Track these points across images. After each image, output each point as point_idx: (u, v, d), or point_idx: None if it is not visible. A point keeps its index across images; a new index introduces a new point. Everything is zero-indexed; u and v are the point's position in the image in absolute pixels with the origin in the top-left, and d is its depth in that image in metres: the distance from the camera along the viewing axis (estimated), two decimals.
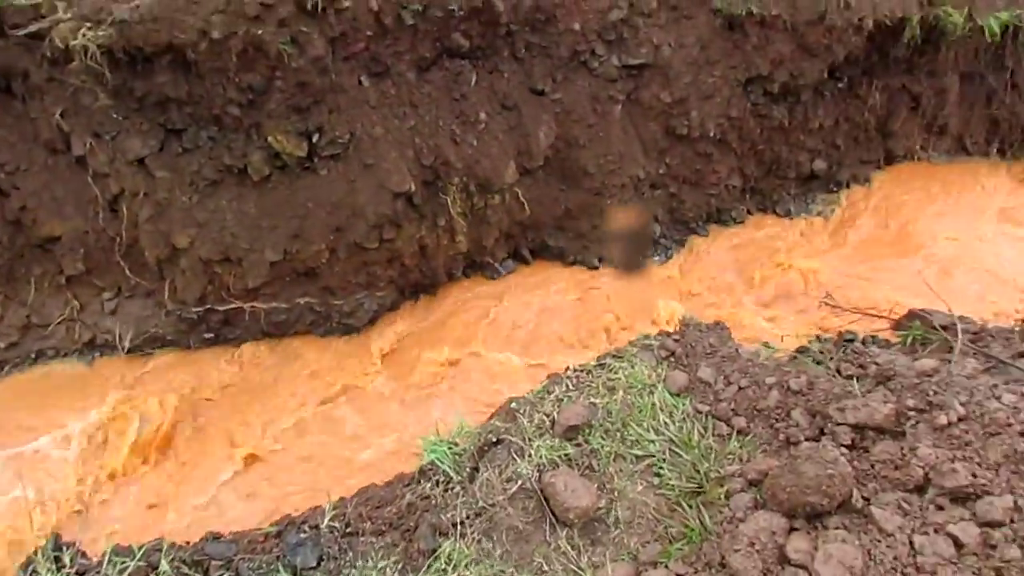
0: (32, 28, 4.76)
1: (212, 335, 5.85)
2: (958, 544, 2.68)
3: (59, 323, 5.64)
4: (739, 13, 6.37)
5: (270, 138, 5.39)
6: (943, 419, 3.09)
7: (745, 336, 5.99)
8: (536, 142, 6.27)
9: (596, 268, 6.65)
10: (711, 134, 6.72)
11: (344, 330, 6.02)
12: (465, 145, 6.06)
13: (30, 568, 3.04)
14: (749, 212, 7.42)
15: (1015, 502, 2.74)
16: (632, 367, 3.52)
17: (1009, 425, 2.97)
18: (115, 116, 5.15)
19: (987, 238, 7.38)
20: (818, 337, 6.08)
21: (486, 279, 6.56)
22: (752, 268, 6.87)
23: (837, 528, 2.78)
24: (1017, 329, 5.71)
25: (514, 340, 5.78)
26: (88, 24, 4.71)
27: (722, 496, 2.99)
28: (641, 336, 3.90)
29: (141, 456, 4.80)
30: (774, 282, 6.71)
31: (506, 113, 6.24)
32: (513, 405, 3.35)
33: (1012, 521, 2.70)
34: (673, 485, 3.06)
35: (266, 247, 5.55)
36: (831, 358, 4.97)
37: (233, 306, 5.73)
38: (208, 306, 5.72)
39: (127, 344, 5.65)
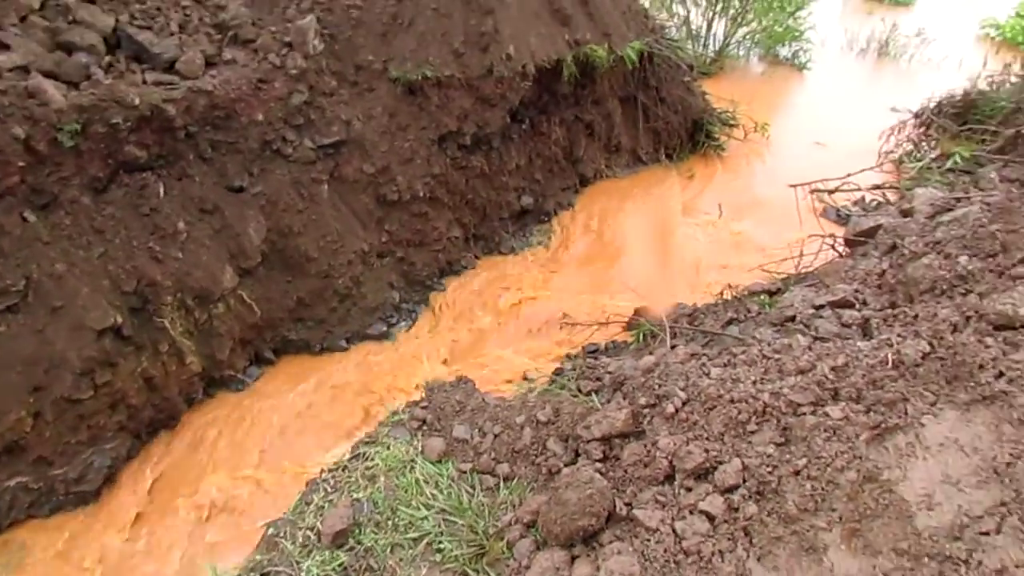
0: None
1: None
2: (710, 517, 2.93)
3: None
4: (416, 79, 6.68)
5: None
6: (671, 408, 3.39)
7: (504, 377, 6.18)
8: (248, 240, 5.97)
9: (345, 350, 6.47)
10: (421, 194, 6.91)
11: (77, 501, 5.17)
12: (169, 260, 5.60)
13: None
14: (477, 257, 7.73)
15: (742, 463, 3.07)
16: (387, 448, 3.40)
17: (720, 396, 3.34)
18: None
19: (679, 230, 8.45)
20: (568, 355, 6.48)
21: (232, 392, 6.07)
22: (494, 309, 7.14)
23: (611, 542, 2.90)
24: (720, 302, 6.59)
25: (273, 452, 5.37)
26: None
27: (504, 549, 2.99)
28: (390, 414, 3.81)
29: None
30: (517, 316, 7.03)
31: (208, 217, 5.88)
32: (271, 531, 3.05)
33: (744, 481, 3.02)
34: (456, 555, 2.99)
35: None
36: (579, 374, 5.31)
37: None
38: None
39: None
